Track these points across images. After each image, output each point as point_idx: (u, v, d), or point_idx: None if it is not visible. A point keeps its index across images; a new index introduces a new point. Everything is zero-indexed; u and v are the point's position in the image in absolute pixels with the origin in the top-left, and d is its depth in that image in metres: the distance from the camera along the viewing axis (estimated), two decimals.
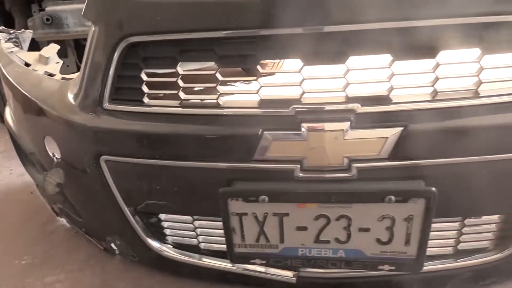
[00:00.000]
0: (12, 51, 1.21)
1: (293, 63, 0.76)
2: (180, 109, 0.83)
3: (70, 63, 2.08)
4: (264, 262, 0.86)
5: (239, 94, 0.82)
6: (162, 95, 0.85)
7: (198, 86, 0.82)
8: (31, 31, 1.58)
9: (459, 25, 0.72)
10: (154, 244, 0.98)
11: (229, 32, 0.75)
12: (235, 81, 0.81)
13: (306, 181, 0.77)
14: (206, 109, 0.81)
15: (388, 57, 0.74)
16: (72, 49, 2.06)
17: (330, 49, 0.74)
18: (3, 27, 1.38)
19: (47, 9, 1.79)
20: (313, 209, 0.78)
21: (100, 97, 0.87)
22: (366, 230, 0.79)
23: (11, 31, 1.39)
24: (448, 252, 0.90)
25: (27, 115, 1.05)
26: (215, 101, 0.80)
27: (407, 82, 0.76)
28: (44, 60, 1.13)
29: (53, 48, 1.18)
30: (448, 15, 0.71)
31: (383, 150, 0.73)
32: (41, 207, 1.35)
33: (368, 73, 0.76)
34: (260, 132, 0.75)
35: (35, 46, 1.97)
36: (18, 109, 1.11)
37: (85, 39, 0.91)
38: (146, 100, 0.85)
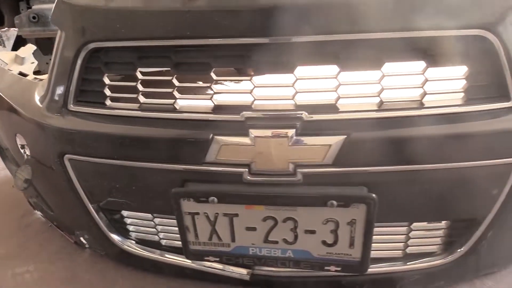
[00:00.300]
0: None
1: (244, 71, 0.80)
2: (138, 112, 0.86)
3: None
4: (217, 259, 0.91)
5: (194, 100, 0.85)
6: (123, 98, 0.89)
7: (155, 91, 0.86)
8: (16, 29, 1.62)
9: (403, 38, 0.76)
10: (118, 239, 1.03)
11: (182, 40, 0.79)
12: (192, 87, 0.85)
13: (253, 184, 0.80)
14: (163, 113, 0.85)
15: (335, 68, 0.77)
16: None
17: (279, 59, 0.78)
18: None
19: (33, 7, 1.82)
20: (260, 211, 0.82)
21: (65, 98, 0.91)
22: (312, 232, 0.82)
23: None
24: (397, 255, 0.94)
25: (0, 113, 1.09)
26: (171, 105, 0.84)
27: (353, 92, 0.79)
28: (20, 60, 1.17)
29: (29, 48, 1.22)
30: (393, 29, 0.75)
31: (327, 157, 0.77)
32: (21, 200, 1.40)
33: (316, 83, 0.79)
34: (211, 137, 0.79)
35: (24, 43, 2.02)
36: None
37: None
38: (108, 102, 0.89)
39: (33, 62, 1.21)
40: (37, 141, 0.98)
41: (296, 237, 0.84)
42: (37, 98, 0.97)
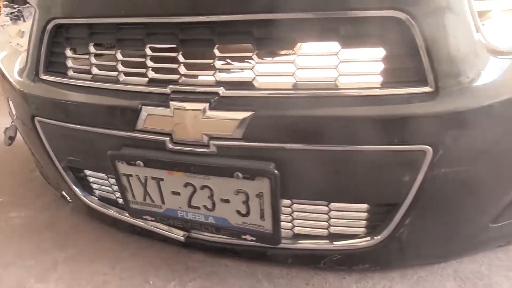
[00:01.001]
0: (4, 25, 1.45)
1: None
2: (91, 82, 0.99)
3: None
4: (153, 219, 1.02)
5: (134, 73, 0.95)
6: (80, 70, 1.01)
7: (105, 64, 0.97)
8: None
9: (317, 19, 0.78)
10: (82, 195, 1.18)
11: (121, 19, 0.89)
12: (134, 62, 0.94)
13: (174, 152, 0.89)
14: (108, 83, 0.96)
15: (251, 48, 0.82)
16: None
17: (200, 38, 0.84)
18: (7, 2, 1.63)
19: None
20: (181, 177, 0.90)
21: (37, 68, 1.06)
22: (227, 201, 0.90)
23: (15, 6, 1.64)
24: (322, 233, 0.97)
25: (2, 81, 1.29)
26: (116, 77, 0.95)
27: (269, 71, 0.83)
28: (21, 34, 1.35)
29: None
30: (306, 9, 0.77)
31: (236, 131, 0.83)
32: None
33: (235, 61, 0.85)
34: (139, 106, 0.89)
35: None
36: None
37: None
38: (69, 73, 1.02)
39: None
40: (18, 105, 1.15)
41: (214, 205, 0.91)
42: (20, 67, 1.14)
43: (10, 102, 1.24)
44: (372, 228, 0.93)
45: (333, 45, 0.79)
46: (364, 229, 0.94)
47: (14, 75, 1.15)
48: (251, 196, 0.86)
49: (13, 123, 1.20)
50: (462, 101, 0.76)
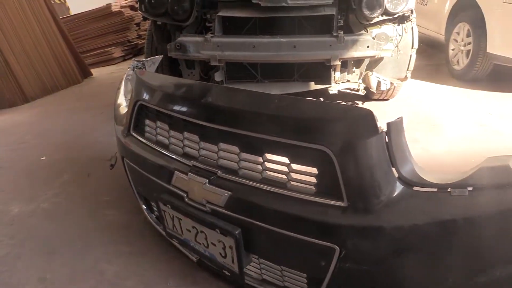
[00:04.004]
0: (128, 79, 2.20)
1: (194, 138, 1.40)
2: (154, 145, 1.58)
3: (195, 73, 3.06)
4: (177, 242, 1.56)
5: (176, 146, 1.50)
6: (151, 135, 1.62)
7: (165, 135, 1.56)
8: (161, 56, 2.57)
9: (277, 141, 1.20)
10: (146, 212, 1.81)
11: (172, 112, 1.46)
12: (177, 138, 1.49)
13: (188, 205, 1.41)
14: (162, 148, 1.53)
15: (237, 149, 1.28)
16: (198, 64, 3.02)
17: (212, 136, 1.34)
18: (136, 58, 2.39)
19: (178, 39, 2.78)
20: (190, 221, 1.42)
21: (129, 127, 1.71)
22: (214, 245, 1.38)
23: (140, 60, 2.39)
24: (279, 284, 1.37)
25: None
26: (167, 146, 1.52)
27: (247, 166, 1.28)
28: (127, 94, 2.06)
29: None
30: (274, 134, 1.20)
31: (220, 201, 1.30)
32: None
33: (229, 156, 1.32)
34: (173, 169, 1.44)
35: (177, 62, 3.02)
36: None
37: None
38: (145, 135, 1.64)
39: None
40: (117, 145, 1.84)
41: (207, 245, 1.41)
42: (121, 123, 1.82)
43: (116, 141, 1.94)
44: None
45: (286, 159, 1.19)
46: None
47: (119, 128, 1.83)
48: (226, 245, 1.33)
49: (115, 155, 1.91)
50: (366, 219, 1.08)
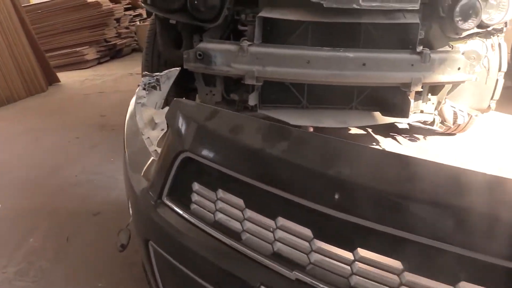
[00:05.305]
0: (140, 102, 1.68)
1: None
2: (211, 229, 1.07)
3: (216, 92, 2.57)
4: None
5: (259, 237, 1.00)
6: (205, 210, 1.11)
7: (228, 215, 1.05)
8: (178, 68, 2.08)
9: None
10: None
11: (253, 181, 0.95)
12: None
13: None
14: (228, 238, 1.02)
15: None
16: (221, 80, 2.54)
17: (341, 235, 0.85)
18: (146, 72, 1.89)
19: (200, 45, 2.30)
20: None
21: (161, 191, 1.19)
22: None
23: (154, 75, 1.90)
24: None
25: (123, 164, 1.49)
26: (238, 233, 1.01)
27: None
28: (153, 125, 1.55)
29: (164, 113, 1.59)
30: None
31: None
32: None
33: None
34: (253, 281, 0.93)
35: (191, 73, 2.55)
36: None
37: None
38: (192, 207, 1.13)
39: (163, 129, 1.57)
40: (135, 213, 1.31)
41: None
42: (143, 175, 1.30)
43: (129, 202, 1.42)
44: None
45: None
46: None
47: (136, 180, 1.31)
48: None
49: (128, 227, 1.38)
50: None
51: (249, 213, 1.00)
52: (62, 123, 3.67)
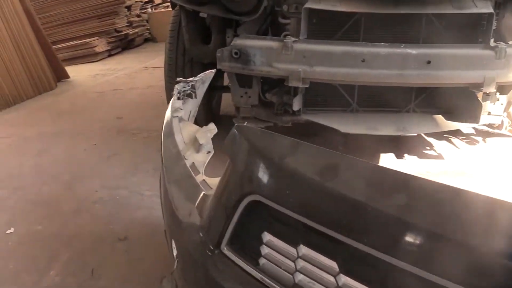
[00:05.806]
0: (177, 116, 1.50)
1: None
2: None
3: (252, 94, 2.37)
4: None
5: None
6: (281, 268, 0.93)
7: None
8: (213, 71, 1.90)
9: None
10: None
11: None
12: None
13: None
14: None
15: None
16: (258, 81, 2.33)
17: None
18: (181, 78, 1.71)
19: (237, 42, 2.10)
20: None
21: (220, 239, 1.01)
22: None
23: (189, 80, 1.71)
24: None
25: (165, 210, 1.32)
26: None
27: None
28: (197, 147, 1.36)
29: (209, 131, 1.40)
30: None
31: None
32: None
33: None
34: None
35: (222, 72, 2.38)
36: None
37: None
38: (261, 262, 0.95)
39: (209, 152, 1.39)
40: (183, 261, 1.14)
41: None
42: (195, 213, 1.13)
43: (174, 242, 1.24)
44: None
45: None
46: None
47: (184, 220, 1.15)
48: None
49: (173, 274, 1.20)
50: None
51: (344, 279, 0.82)
52: (75, 127, 3.52)
